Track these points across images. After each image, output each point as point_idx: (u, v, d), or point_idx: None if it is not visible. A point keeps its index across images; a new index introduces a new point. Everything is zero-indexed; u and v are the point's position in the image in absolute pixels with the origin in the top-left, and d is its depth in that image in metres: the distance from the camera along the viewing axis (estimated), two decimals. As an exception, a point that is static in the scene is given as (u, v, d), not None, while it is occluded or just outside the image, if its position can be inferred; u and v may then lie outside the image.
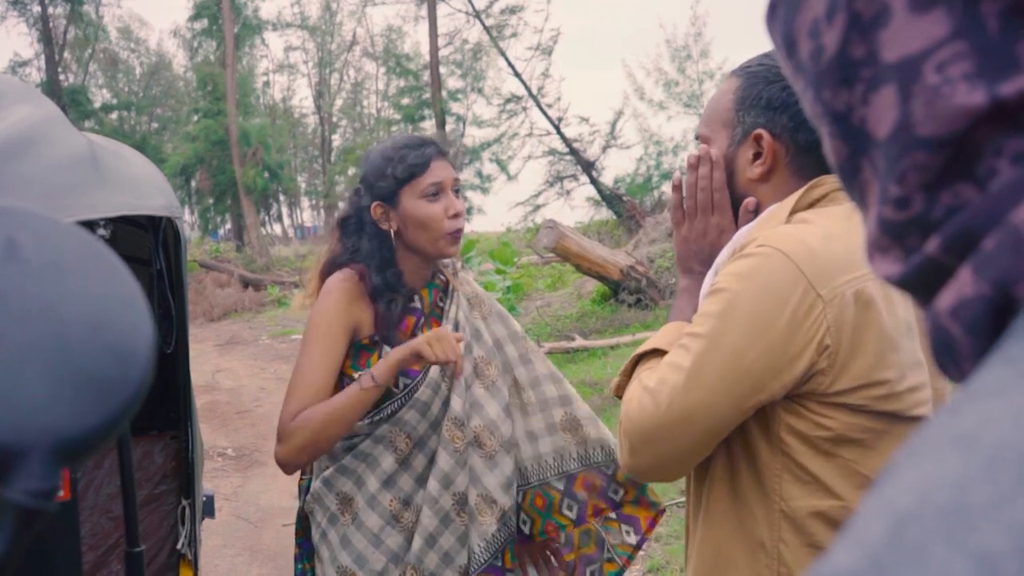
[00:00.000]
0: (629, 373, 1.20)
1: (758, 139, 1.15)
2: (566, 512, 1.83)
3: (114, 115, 27.14)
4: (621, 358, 7.10)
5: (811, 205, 1.12)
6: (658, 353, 1.17)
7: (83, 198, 1.08)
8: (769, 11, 0.40)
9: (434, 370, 1.72)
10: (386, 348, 1.71)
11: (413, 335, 1.75)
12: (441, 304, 1.81)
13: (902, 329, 1.07)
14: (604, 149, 18.34)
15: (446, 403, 1.74)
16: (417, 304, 1.79)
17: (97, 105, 26.43)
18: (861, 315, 1.03)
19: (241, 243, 23.40)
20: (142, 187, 1.40)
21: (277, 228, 33.17)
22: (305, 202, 35.05)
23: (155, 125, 29.59)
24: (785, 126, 1.13)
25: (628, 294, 8.54)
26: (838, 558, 0.25)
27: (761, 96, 1.15)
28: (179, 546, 1.66)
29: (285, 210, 33.01)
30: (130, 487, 1.40)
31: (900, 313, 1.07)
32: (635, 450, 1.08)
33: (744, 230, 1.15)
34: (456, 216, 1.71)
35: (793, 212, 1.11)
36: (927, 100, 0.32)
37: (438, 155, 1.73)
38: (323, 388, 1.64)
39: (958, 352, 0.33)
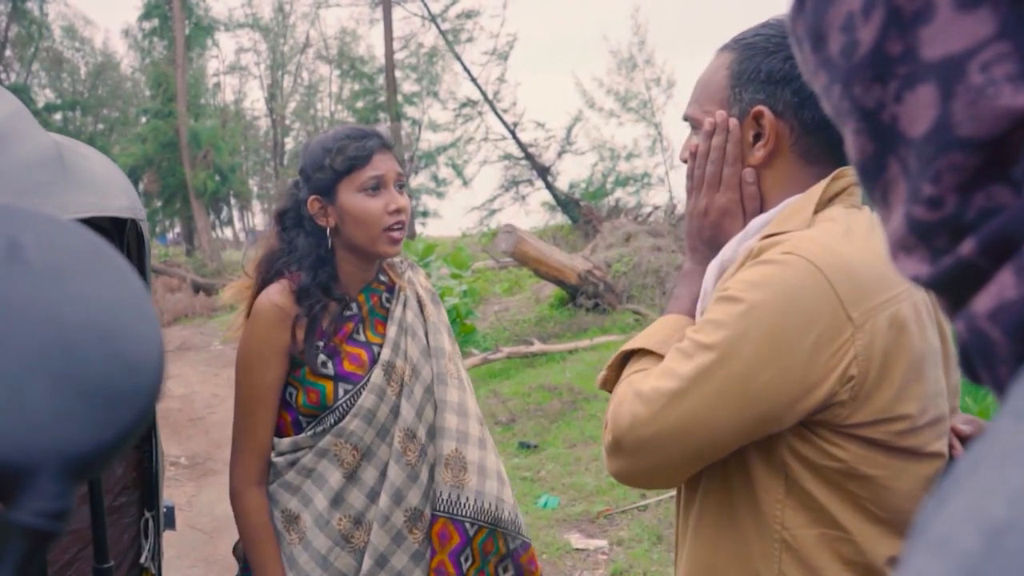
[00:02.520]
0: (617, 368, 1.11)
1: (758, 117, 1.02)
2: None
3: (58, 115, 26.43)
4: (580, 362, 7.11)
5: (832, 199, 1.01)
6: (649, 353, 1.07)
7: (53, 198, 1.03)
8: (796, 4, 0.39)
9: (376, 374, 1.62)
10: (323, 357, 1.61)
11: (351, 340, 1.65)
12: (386, 305, 1.71)
13: (929, 355, 0.95)
14: (559, 154, 18.43)
15: (394, 410, 1.64)
16: (354, 310, 1.68)
17: (40, 105, 25.70)
18: (893, 343, 0.91)
19: (191, 247, 22.96)
20: (106, 187, 1.35)
21: (228, 232, 32.62)
22: (257, 206, 34.49)
23: (101, 126, 28.87)
24: (788, 102, 1.00)
25: (586, 298, 8.57)
26: (928, 568, 0.24)
27: (760, 69, 1.02)
28: (142, 560, 1.60)
29: (236, 213, 32.44)
30: (98, 500, 1.34)
31: (929, 337, 0.96)
32: (621, 455, 0.99)
33: (758, 221, 1.04)
34: (397, 211, 1.60)
35: (817, 208, 1.00)
36: (970, 100, 0.31)
37: (381, 148, 1.62)
38: (267, 441, 1.64)
39: (995, 356, 0.32)
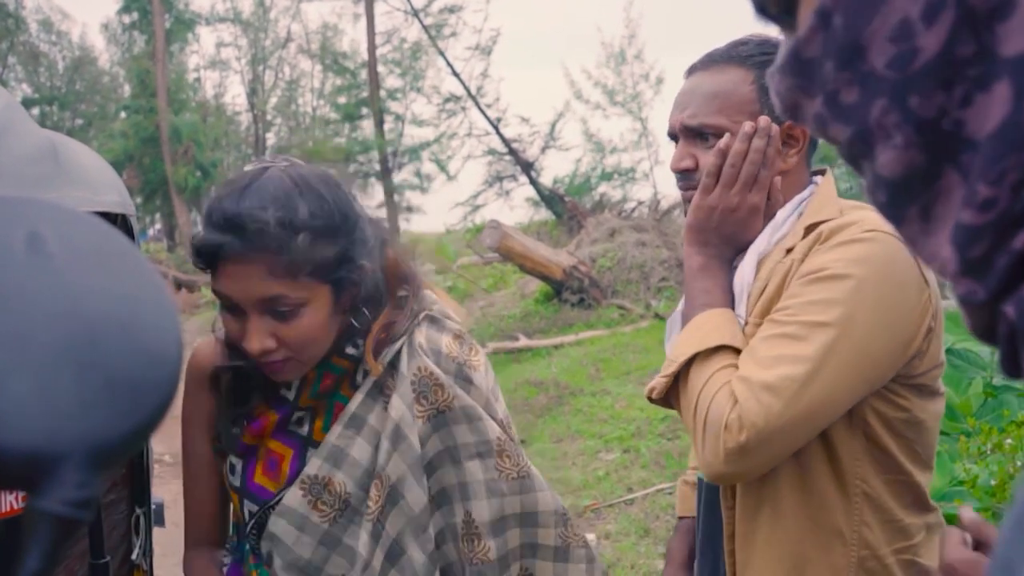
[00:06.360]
0: (676, 375, 1.10)
1: (792, 127, 1.14)
2: None
3: (35, 110, 26.13)
4: (566, 357, 7.12)
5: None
6: (725, 349, 1.07)
7: (49, 193, 1.02)
8: (816, 24, 0.37)
9: (292, 495, 1.16)
10: (232, 460, 1.25)
11: (276, 437, 1.20)
12: (354, 387, 1.21)
13: None
14: (543, 150, 18.41)
15: (340, 551, 1.19)
16: (286, 394, 1.20)
17: (17, 100, 25.39)
18: (940, 297, 1.08)
19: (173, 243, 22.80)
20: (98, 182, 1.35)
21: (209, 228, 32.32)
22: (238, 201, 34.16)
23: (79, 121, 28.58)
24: None
25: (571, 293, 8.59)
26: None
27: None
28: (133, 557, 1.59)
29: (218, 209, 32.23)
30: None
31: None
32: (750, 454, 0.99)
33: (784, 213, 1.15)
34: (262, 352, 1.10)
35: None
36: None
37: (238, 255, 1.07)
38: (209, 510, 1.37)
39: None
